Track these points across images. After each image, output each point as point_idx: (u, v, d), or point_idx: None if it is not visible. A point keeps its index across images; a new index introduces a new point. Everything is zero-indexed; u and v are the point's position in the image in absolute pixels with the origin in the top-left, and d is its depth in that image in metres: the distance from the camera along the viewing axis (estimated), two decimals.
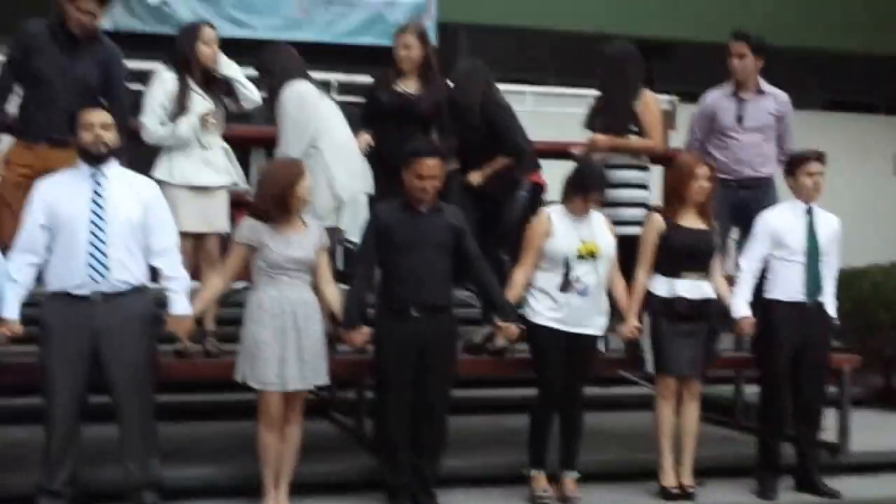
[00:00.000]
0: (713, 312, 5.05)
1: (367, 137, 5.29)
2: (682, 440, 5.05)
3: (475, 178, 5.36)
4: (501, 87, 5.62)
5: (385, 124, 5.35)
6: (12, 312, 4.28)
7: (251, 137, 6.32)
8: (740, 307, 5.13)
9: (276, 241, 4.49)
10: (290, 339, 4.44)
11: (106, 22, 9.21)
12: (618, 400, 6.64)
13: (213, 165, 5.02)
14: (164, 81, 5.00)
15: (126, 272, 4.31)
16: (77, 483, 4.41)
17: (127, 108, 4.94)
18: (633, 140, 5.44)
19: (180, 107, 4.96)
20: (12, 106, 4.95)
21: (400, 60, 5.39)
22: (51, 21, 4.83)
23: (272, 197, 4.51)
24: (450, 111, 5.41)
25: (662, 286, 5.00)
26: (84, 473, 4.50)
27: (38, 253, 4.31)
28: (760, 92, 5.76)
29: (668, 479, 5.01)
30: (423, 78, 5.42)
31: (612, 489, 5.12)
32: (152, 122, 4.97)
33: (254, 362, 4.47)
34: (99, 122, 4.33)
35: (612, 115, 5.44)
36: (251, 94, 5.17)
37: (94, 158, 4.33)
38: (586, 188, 4.86)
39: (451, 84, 5.47)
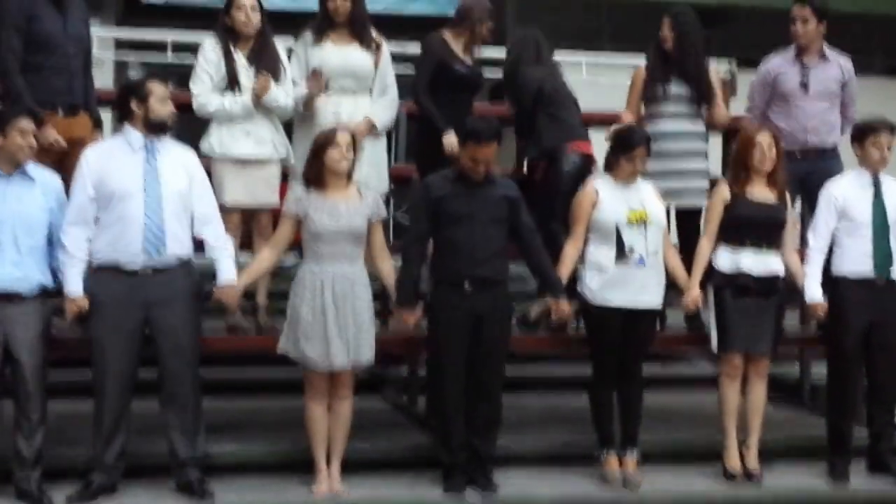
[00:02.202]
0: (781, 288, 4.85)
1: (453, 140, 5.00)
2: (748, 421, 4.87)
3: None
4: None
5: (454, 95, 5.17)
6: (76, 288, 4.26)
7: None
8: (813, 290, 4.93)
9: (319, 211, 4.38)
10: (328, 316, 4.33)
11: None
12: (681, 378, 6.47)
13: (254, 136, 4.86)
14: (204, 51, 4.90)
15: (179, 245, 4.29)
16: (126, 456, 4.40)
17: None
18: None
19: (229, 79, 4.84)
20: None
21: (482, 29, 5.23)
22: None
23: (307, 163, 4.46)
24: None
25: (726, 260, 4.81)
26: (132, 447, 4.47)
27: (90, 225, 4.28)
28: (824, 57, 5.54)
29: (733, 461, 4.84)
30: (470, 49, 5.31)
31: (674, 470, 4.95)
32: (199, 92, 4.86)
33: (295, 337, 4.40)
34: (170, 96, 4.33)
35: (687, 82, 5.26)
36: (283, 106, 4.92)
37: (162, 131, 4.31)
38: (630, 145, 4.68)
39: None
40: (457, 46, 5.25)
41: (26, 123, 4.23)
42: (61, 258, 4.27)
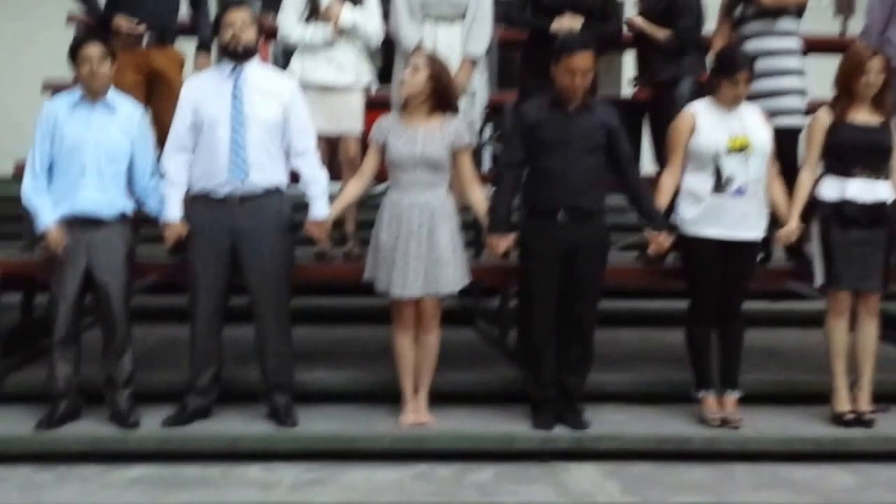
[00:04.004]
0: (893, 216, 4.53)
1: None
2: (859, 361, 4.58)
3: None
4: None
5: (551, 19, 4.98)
6: (175, 214, 4.33)
7: None
8: None
9: (397, 137, 4.33)
10: (404, 244, 4.28)
11: None
12: (787, 316, 6.16)
13: (336, 63, 4.84)
14: None
15: (263, 174, 4.30)
16: (221, 381, 4.47)
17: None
18: None
19: (312, 8, 4.84)
20: None
21: None
22: None
23: None
24: None
25: (831, 189, 4.52)
26: (229, 373, 4.54)
27: (188, 152, 4.34)
28: None
29: (843, 404, 4.57)
30: None
31: (779, 413, 4.70)
32: (285, 24, 4.88)
33: (375, 264, 4.39)
34: (239, 21, 4.31)
35: None
36: (362, 30, 4.86)
37: (233, 57, 4.31)
38: (733, 68, 4.40)
39: None
40: None
41: (91, 49, 4.25)
42: (162, 186, 4.34)
